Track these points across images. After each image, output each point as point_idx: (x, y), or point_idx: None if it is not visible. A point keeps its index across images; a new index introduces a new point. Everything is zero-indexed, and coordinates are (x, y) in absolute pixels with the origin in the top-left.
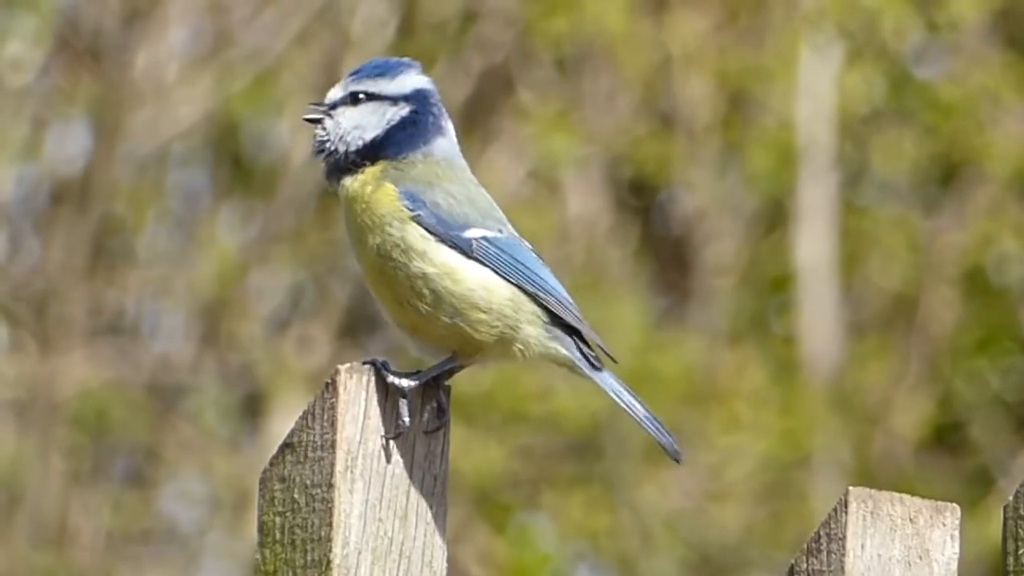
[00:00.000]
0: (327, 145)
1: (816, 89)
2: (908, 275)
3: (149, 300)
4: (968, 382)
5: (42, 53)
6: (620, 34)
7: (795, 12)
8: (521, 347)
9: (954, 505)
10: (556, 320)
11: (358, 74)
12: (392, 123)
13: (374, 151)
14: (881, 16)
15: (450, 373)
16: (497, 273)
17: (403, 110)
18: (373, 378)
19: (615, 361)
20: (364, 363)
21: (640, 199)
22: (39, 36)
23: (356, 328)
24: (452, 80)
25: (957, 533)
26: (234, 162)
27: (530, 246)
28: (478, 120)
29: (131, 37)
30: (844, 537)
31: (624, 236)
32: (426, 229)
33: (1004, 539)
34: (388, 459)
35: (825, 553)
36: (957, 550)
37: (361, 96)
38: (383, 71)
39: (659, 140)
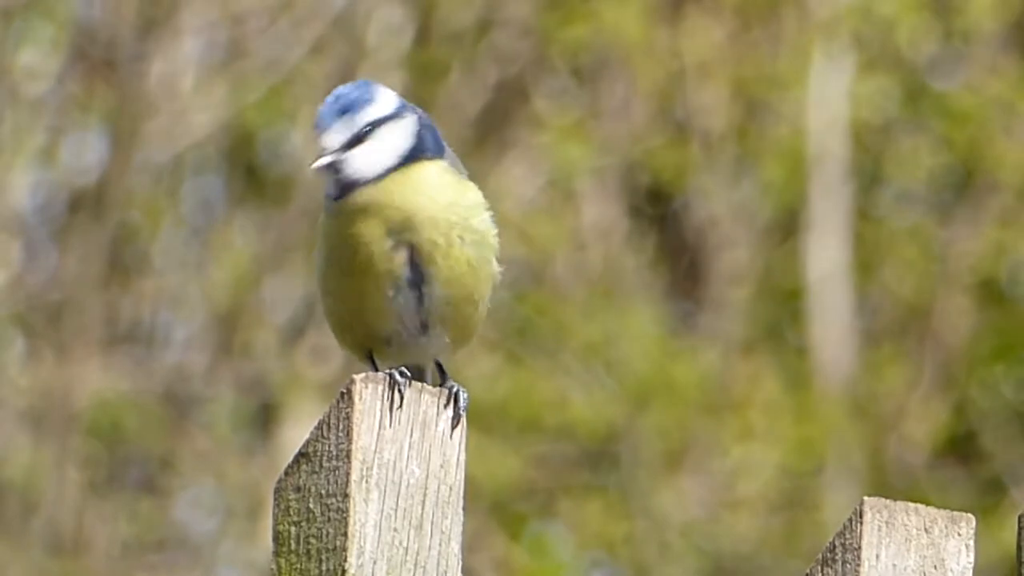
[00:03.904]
0: (359, 178)
1: (830, 98)
2: (922, 284)
3: (164, 309)
4: (982, 391)
5: (58, 62)
6: (636, 43)
7: (809, 21)
8: None
9: (969, 515)
10: None
11: (348, 112)
12: (414, 131)
13: (413, 156)
14: (897, 25)
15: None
16: None
17: (411, 119)
18: (389, 388)
19: None
20: (380, 372)
21: (655, 208)
22: (55, 45)
23: None
24: (468, 89)
25: (972, 543)
26: (249, 171)
27: None
28: (493, 129)
29: (147, 47)
30: (859, 547)
31: (639, 244)
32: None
33: (1018, 548)
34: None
35: (840, 563)
36: (972, 560)
37: (366, 129)
38: (367, 97)
39: (674, 149)
